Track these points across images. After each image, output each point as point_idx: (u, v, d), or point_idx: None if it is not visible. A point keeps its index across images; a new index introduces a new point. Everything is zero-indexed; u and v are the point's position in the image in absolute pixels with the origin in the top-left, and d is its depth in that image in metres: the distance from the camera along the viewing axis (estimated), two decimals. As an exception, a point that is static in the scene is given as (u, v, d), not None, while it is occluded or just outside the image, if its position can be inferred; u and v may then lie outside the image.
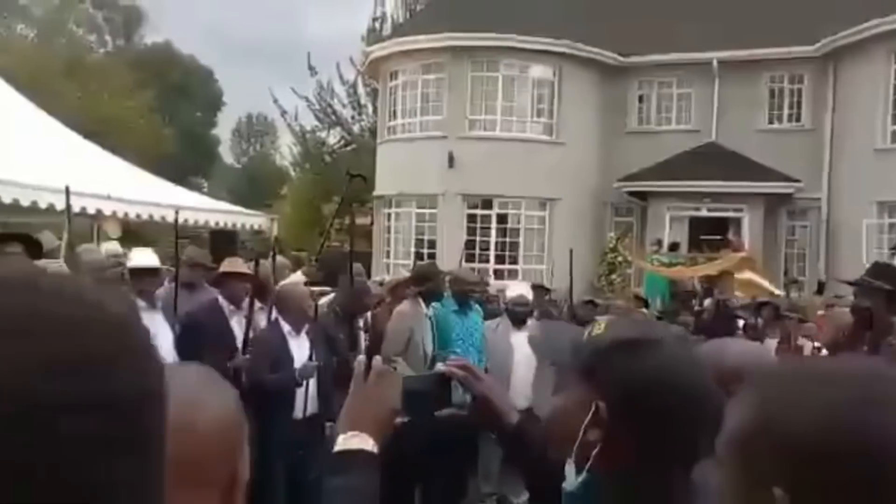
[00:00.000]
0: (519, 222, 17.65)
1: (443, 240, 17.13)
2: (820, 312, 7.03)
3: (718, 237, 15.84)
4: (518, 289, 6.78)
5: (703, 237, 16.25)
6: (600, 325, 1.21)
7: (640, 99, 18.57)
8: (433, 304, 6.00)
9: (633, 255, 15.86)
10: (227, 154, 51.52)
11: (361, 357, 1.38)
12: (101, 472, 0.52)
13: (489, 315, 6.66)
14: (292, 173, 30.85)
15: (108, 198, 8.35)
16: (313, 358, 4.95)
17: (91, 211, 8.16)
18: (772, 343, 6.32)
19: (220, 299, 5.27)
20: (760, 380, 0.84)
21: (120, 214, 8.56)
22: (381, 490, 1.23)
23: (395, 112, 18.82)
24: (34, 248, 5.20)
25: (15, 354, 0.49)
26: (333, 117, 24.84)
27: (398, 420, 1.32)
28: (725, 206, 16.76)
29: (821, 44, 16.20)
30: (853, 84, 15.90)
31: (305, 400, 4.90)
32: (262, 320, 5.26)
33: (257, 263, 5.35)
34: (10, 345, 0.50)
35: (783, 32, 16.33)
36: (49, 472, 0.49)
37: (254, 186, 40.12)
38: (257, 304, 5.15)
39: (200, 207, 10.58)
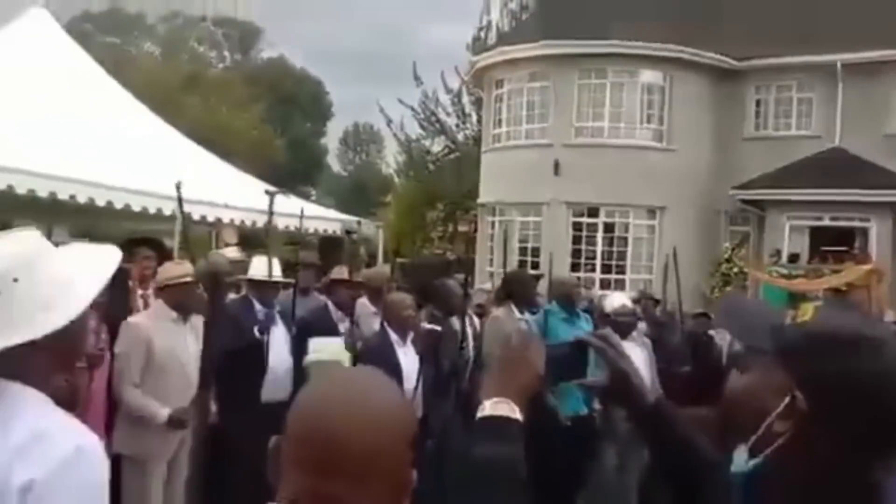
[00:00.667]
0: (626, 231, 17.25)
1: (547, 248, 16.96)
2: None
3: (843, 248, 14.98)
4: (618, 298, 6.41)
5: (826, 248, 15.40)
6: (807, 311, 1.13)
7: (758, 103, 17.84)
8: (537, 310, 5.93)
9: (750, 266, 15.20)
10: (334, 163, 52.95)
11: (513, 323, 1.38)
12: None
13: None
14: (396, 181, 31.34)
15: (226, 206, 8.66)
16: (421, 368, 4.95)
17: (210, 219, 8.49)
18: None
19: (329, 305, 5.37)
20: None
21: (237, 222, 8.86)
22: None
23: (500, 120, 18.80)
24: (162, 253, 5.47)
25: None
26: (438, 126, 25.08)
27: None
28: (850, 216, 15.83)
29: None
30: None
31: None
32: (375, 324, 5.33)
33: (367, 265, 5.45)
34: None
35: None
36: None
37: (359, 194, 40.98)
38: (371, 309, 5.24)
39: (310, 215, 10.83)
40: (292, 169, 37.43)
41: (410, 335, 5.07)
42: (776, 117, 17.67)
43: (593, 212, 17.23)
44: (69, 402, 1.50)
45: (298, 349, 5.00)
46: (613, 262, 17.21)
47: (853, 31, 15.95)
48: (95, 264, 1.57)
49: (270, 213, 6.32)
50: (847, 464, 1.02)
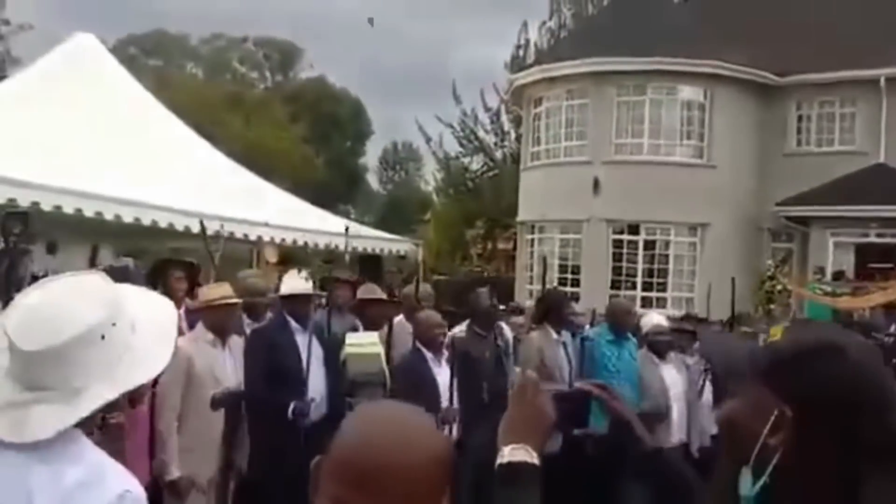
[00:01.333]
0: (667, 248, 17.05)
1: (587, 266, 16.84)
2: None
3: (889, 265, 14.61)
4: (654, 318, 6.33)
5: (871, 265, 15.03)
6: (776, 331, 1.22)
7: (799, 119, 17.56)
8: (576, 330, 5.88)
9: (793, 283, 14.91)
10: (373, 181, 53.34)
11: (528, 371, 1.41)
12: None
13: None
14: (435, 199, 31.43)
15: (267, 225, 8.78)
16: (453, 384, 4.91)
17: (252, 237, 8.62)
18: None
19: (359, 324, 5.37)
20: None
21: (277, 240, 8.98)
22: None
23: (538, 138, 18.77)
24: (192, 274, 5.53)
25: None
26: (476, 143, 25.14)
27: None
28: (896, 232, 15.47)
29: None
30: None
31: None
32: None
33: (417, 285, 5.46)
34: None
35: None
36: None
37: (398, 212, 41.19)
38: (408, 328, 5.22)
39: (350, 234, 10.92)
40: (332, 187, 37.79)
41: (445, 354, 5.07)
42: (819, 133, 17.37)
43: (633, 229, 17.06)
44: (116, 436, 1.54)
45: (328, 368, 4.96)
46: (654, 280, 17.00)
47: (898, 44, 15.66)
48: (161, 312, 1.63)
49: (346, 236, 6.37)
50: (843, 463, 1.08)
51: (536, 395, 1.34)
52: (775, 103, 17.33)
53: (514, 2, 32.38)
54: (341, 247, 10.00)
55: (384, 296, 5.80)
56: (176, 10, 59.86)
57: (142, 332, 1.50)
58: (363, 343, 4.62)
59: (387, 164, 54.22)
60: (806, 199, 16.18)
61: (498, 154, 25.10)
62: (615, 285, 16.39)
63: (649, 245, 17.05)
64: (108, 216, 7.07)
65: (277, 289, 5.57)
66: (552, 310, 5.90)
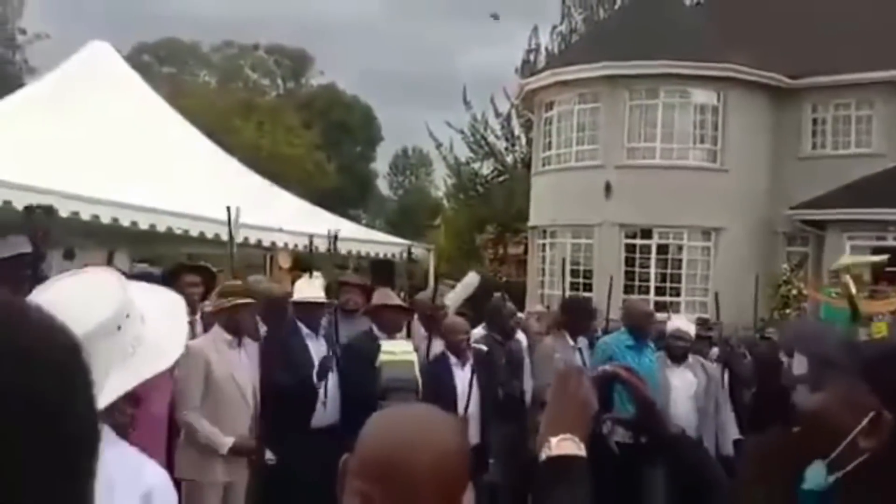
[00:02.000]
0: (681, 252, 16.97)
1: (600, 271, 16.78)
2: None
3: (908, 269, 14.46)
4: (677, 322, 6.27)
5: (889, 268, 14.89)
6: (881, 328, 1.11)
7: (814, 122, 17.46)
8: (592, 337, 5.88)
9: (809, 287, 14.79)
10: (383, 186, 53.39)
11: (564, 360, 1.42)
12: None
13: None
14: (446, 204, 31.43)
15: (280, 230, 8.78)
16: (473, 387, 5.00)
17: (266, 243, 8.62)
18: None
19: (374, 329, 5.38)
20: None
21: (290, 246, 8.98)
22: None
23: (550, 142, 18.75)
24: (209, 279, 5.56)
25: None
26: (487, 148, 25.13)
27: None
28: (914, 235, 15.34)
29: None
30: None
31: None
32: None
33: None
34: None
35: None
36: None
37: (408, 217, 41.20)
38: (423, 332, 5.27)
39: (361, 238, 10.92)
40: (343, 193, 37.86)
41: (470, 359, 5.16)
42: (834, 136, 17.27)
43: (646, 233, 17.00)
44: (126, 428, 1.54)
45: (342, 374, 5.03)
46: (668, 285, 16.93)
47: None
48: (169, 304, 1.66)
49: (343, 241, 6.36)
50: None
51: (580, 385, 1.31)
52: (789, 106, 17.25)
53: (523, 7, 32.38)
54: (353, 252, 10.02)
55: (399, 301, 5.79)
56: (182, 16, 60.22)
57: (152, 324, 1.51)
58: (396, 351, 4.71)
59: (397, 170, 54.29)
60: (821, 202, 16.07)
61: (508, 159, 25.09)
62: (628, 290, 16.31)
63: (662, 249, 16.98)
64: (125, 222, 7.08)
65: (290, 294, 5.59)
66: (576, 319, 5.89)
